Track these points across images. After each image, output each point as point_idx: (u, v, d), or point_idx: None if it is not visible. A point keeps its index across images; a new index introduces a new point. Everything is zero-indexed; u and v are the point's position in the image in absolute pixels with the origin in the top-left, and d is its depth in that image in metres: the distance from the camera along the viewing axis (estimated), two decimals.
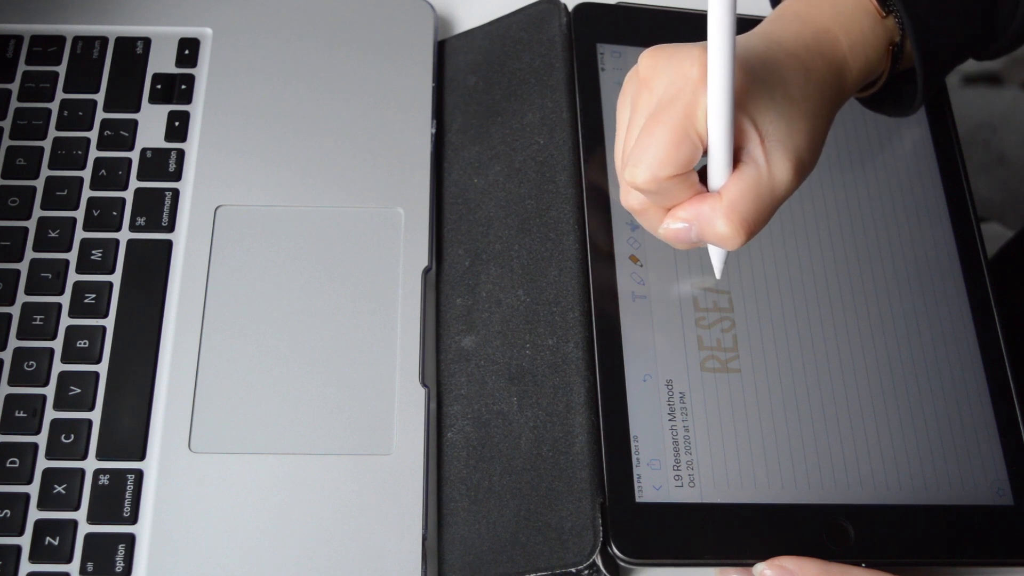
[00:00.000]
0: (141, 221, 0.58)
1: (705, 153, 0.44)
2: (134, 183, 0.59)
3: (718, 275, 0.49)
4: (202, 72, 0.62)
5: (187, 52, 0.63)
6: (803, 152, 0.45)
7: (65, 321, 0.55)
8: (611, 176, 0.57)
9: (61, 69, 0.62)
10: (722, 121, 0.43)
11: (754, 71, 0.45)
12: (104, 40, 0.63)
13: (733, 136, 0.44)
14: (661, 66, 0.45)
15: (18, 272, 0.56)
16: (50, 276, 0.56)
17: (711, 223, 0.45)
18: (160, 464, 0.52)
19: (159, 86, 0.62)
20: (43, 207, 0.58)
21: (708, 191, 0.45)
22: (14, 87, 0.61)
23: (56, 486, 0.52)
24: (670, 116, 0.44)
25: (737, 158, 0.45)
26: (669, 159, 0.43)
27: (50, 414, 0.53)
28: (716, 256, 0.49)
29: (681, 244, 0.47)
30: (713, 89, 0.42)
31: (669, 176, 0.44)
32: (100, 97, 0.61)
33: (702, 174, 0.46)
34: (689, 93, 0.43)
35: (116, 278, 0.56)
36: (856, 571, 0.48)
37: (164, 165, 0.59)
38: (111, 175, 0.59)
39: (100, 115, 0.61)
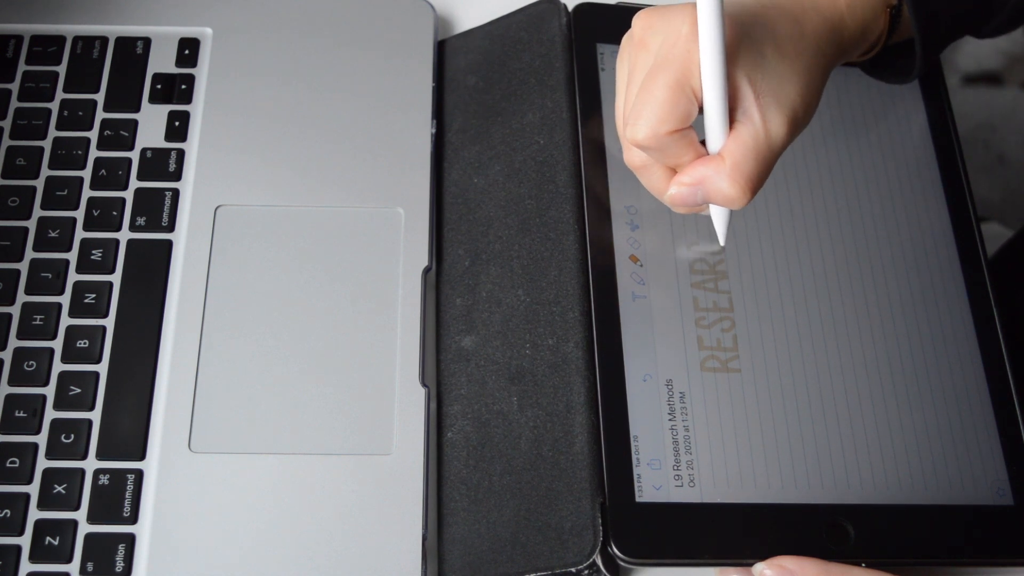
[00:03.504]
0: (141, 221, 0.58)
1: (701, 111, 0.45)
2: (134, 183, 0.59)
3: (722, 241, 0.49)
4: (202, 72, 0.62)
5: (187, 52, 0.63)
6: (797, 106, 0.46)
7: (65, 321, 0.55)
8: (611, 175, 0.57)
9: (61, 69, 0.62)
10: (715, 77, 0.44)
11: (744, 26, 0.46)
12: (104, 40, 0.63)
13: (727, 93, 0.45)
14: (655, 26, 0.46)
15: (18, 272, 0.56)
16: (50, 276, 0.56)
17: (716, 185, 0.46)
18: (160, 464, 0.52)
19: (159, 86, 0.62)
20: (43, 207, 0.58)
21: (707, 150, 0.46)
22: (14, 87, 0.61)
23: (56, 486, 0.52)
24: (666, 73, 0.45)
25: (733, 117, 0.46)
26: (667, 115, 0.45)
27: (50, 414, 0.53)
28: (719, 222, 0.49)
29: (686, 208, 0.48)
30: (704, 45, 0.43)
31: (668, 131, 0.45)
32: (100, 97, 0.61)
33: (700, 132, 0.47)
34: (683, 49, 0.45)
35: (116, 278, 0.56)
36: (856, 571, 0.48)
37: (164, 165, 0.59)
38: (111, 175, 0.59)
39: (100, 115, 0.61)
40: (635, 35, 0.47)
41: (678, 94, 0.44)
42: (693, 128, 0.46)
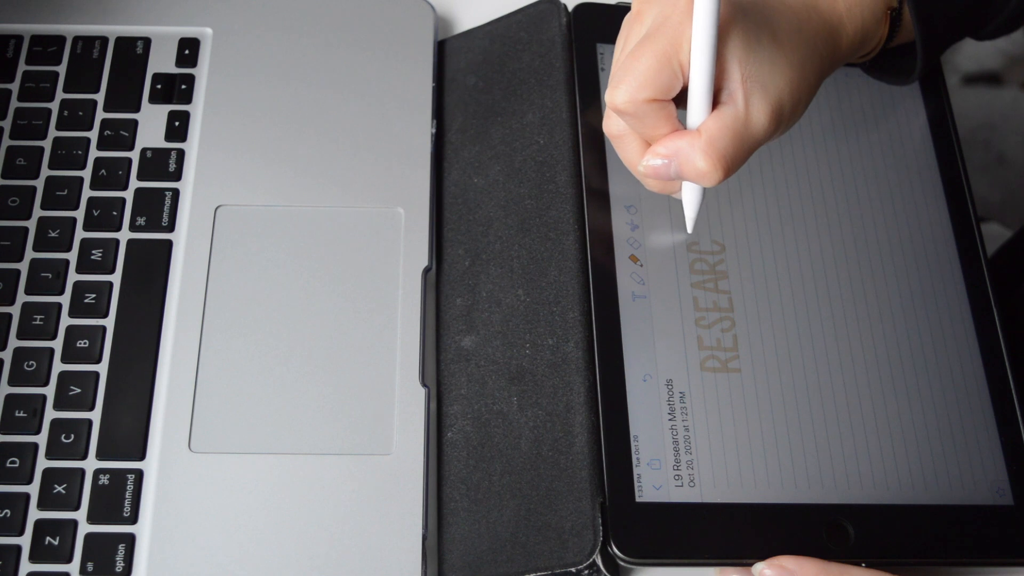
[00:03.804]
0: (141, 221, 0.58)
1: (686, 89, 0.45)
2: (134, 183, 0.59)
3: (689, 228, 0.50)
4: (202, 72, 0.62)
5: (187, 52, 0.63)
6: (784, 99, 0.46)
7: (65, 321, 0.55)
8: (611, 175, 0.57)
9: (61, 69, 0.62)
10: (704, 52, 0.44)
11: (743, 11, 0.46)
12: (104, 40, 0.63)
13: (714, 70, 0.45)
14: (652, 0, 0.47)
15: (18, 272, 0.56)
16: (50, 276, 0.56)
17: (689, 159, 0.46)
18: (160, 464, 0.52)
19: (159, 86, 0.62)
20: (43, 207, 0.58)
21: (685, 128, 0.47)
22: (14, 87, 0.61)
23: (56, 486, 0.52)
24: (655, 42, 0.45)
25: (718, 99, 0.46)
26: (648, 82, 0.45)
27: (50, 414, 0.53)
28: (689, 206, 0.49)
29: (658, 183, 0.48)
30: (697, 19, 0.43)
31: (647, 99, 0.45)
32: (100, 97, 0.61)
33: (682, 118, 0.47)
34: (676, 23, 0.45)
35: (116, 278, 0.56)
36: (856, 571, 0.48)
37: (164, 165, 0.59)
38: (111, 175, 0.59)
39: (100, 115, 0.61)
40: (633, 9, 0.48)
41: (663, 64, 0.45)
42: (673, 104, 0.46)
